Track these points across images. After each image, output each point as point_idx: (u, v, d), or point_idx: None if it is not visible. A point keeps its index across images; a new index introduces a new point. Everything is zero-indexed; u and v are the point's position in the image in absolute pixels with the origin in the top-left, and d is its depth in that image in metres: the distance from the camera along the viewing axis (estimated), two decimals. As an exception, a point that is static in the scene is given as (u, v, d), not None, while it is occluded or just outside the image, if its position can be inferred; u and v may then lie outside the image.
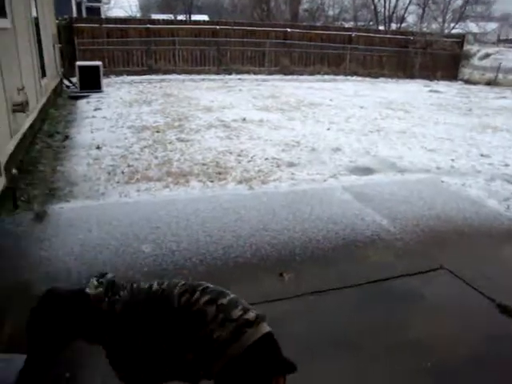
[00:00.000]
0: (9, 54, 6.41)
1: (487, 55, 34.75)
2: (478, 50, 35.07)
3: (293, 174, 6.56)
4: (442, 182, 6.57)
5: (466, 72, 22.83)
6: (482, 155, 8.04)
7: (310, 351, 3.00)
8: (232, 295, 1.92)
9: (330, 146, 8.05)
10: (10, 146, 5.79)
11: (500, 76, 22.10)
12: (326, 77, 19.50)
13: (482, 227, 5.16)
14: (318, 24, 34.27)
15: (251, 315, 1.83)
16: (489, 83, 21.04)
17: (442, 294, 3.83)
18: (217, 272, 3.91)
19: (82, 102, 11.69)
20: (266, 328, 1.84)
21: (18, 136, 6.35)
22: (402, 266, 4.15)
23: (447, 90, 17.23)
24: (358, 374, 2.88)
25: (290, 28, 20.37)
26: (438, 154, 7.95)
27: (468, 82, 21.49)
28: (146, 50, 18.11)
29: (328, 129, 9.48)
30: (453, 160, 7.62)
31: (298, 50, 20.05)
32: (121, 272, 3.80)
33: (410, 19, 43.38)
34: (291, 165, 6.98)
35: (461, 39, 23.28)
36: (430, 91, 16.40)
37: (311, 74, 19.84)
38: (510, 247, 4.78)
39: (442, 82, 19.89)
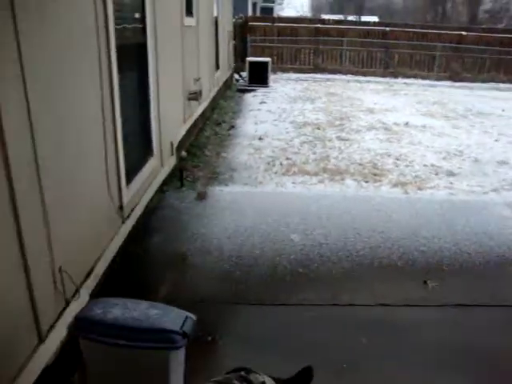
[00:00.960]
0: (190, 48, 7.05)
1: None
2: None
3: (451, 183, 6.27)
4: None
5: None
6: None
7: (436, 361, 2.91)
8: None
9: (496, 159, 7.50)
10: (182, 130, 6.38)
11: None
12: (502, 85, 18.01)
13: None
14: (500, 26, 31.64)
15: None
16: None
17: None
18: (361, 269, 3.95)
19: (249, 96, 12.36)
20: None
21: (190, 122, 6.97)
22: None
23: None
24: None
25: (466, 31, 19.17)
26: None
27: None
28: (314, 49, 18.43)
29: (496, 140, 8.82)
30: None
31: (471, 55, 18.80)
32: (268, 256, 4.02)
33: None
34: (450, 174, 6.66)
35: None
36: None
37: (484, 81, 18.48)
38: None
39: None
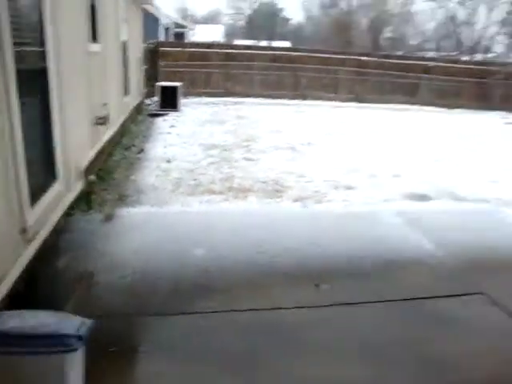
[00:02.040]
0: (97, 73, 7.18)
1: None
2: None
3: (348, 196, 6.81)
4: (500, 212, 6.55)
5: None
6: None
7: (332, 356, 3.26)
8: None
9: (391, 173, 8.20)
10: (90, 154, 6.47)
11: None
12: (400, 106, 19.42)
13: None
14: (399, 53, 34.02)
15: None
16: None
17: (475, 317, 3.93)
18: (261, 277, 4.26)
19: (159, 120, 12.56)
20: None
21: (98, 146, 7.06)
22: (440, 289, 4.29)
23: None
24: (376, 380, 3.10)
25: (366, 56, 20.58)
26: (500, 184, 7.87)
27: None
28: (225, 73, 18.96)
29: (390, 155, 9.62)
30: (514, 191, 7.54)
31: (372, 79, 20.18)
32: (173, 270, 4.25)
33: (499, 49, 42.19)
34: (348, 187, 7.22)
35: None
36: (507, 123, 15.96)
37: (385, 102, 19.86)
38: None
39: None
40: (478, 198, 7.09)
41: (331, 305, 3.93)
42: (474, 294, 4.26)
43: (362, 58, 20.36)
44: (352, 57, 20.51)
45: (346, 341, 3.45)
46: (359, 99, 19.86)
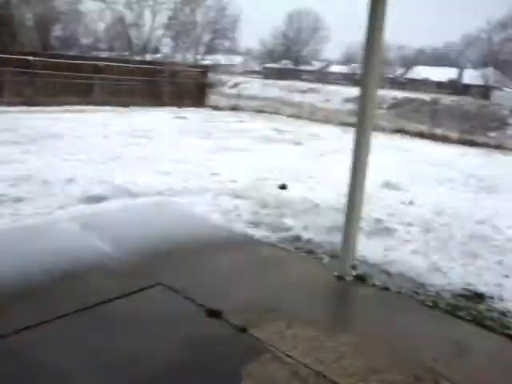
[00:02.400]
0: None
1: (236, 84, 37.94)
2: (229, 80, 38.11)
3: (17, 209, 6.14)
4: (172, 202, 6.87)
5: (213, 99, 24.58)
6: (212, 174, 8.68)
7: None
8: None
9: (64, 177, 7.76)
10: None
11: (242, 102, 24.35)
12: (76, 107, 18.90)
13: (203, 240, 5.53)
14: (71, 53, 33.12)
15: None
16: (233, 109, 23.02)
17: (155, 308, 3.98)
18: None
19: None
20: None
21: None
22: (121, 288, 4.18)
23: (192, 116, 18.27)
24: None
25: (34, 56, 19.29)
26: (173, 176, 8.32)
27: (215, 108, 23.15)
28: None
29: (65, 160, 9.16)
30: (185, 181, 8.05)
31: (43, 80, 19.06)
32: None
33: (166, 50, 45.31)
34: (18, 200, 6.52)
35: (205, 69, 25.06)
36: (176, 118, 17.18)
37: (59, 104, 19.02)
38: (225, 255, 5.20)
39: (190, 109, 20.96)
40: (152, 191, 7.30)
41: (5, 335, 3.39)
42: (154, 285, 4.30)
43: (29, 57, 19.02)
44: (18, 56, 18.94)
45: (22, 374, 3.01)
46: (30, 102, 18.51)
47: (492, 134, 25.82)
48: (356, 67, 61.87)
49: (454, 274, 5.24)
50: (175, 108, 20.64)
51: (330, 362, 3.42)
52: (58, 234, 5.37)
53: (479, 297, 4.77)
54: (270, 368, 3.28)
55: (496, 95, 42.42)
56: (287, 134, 15.17)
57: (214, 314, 3.91)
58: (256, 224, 6.34)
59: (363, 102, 4.62)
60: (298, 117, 21.70)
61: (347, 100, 34.85)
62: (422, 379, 3.31)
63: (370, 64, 4.50)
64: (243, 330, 3.72)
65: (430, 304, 4.49)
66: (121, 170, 8.47)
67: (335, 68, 71.46)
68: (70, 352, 3.29)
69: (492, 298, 4.77)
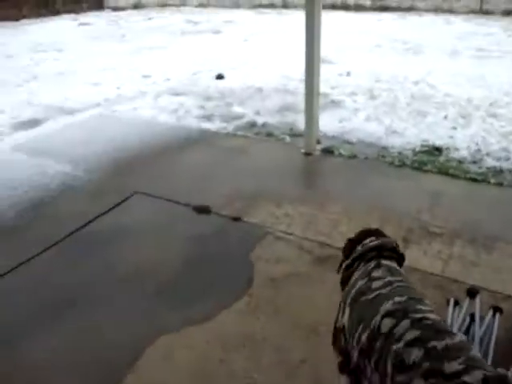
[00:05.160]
0: None
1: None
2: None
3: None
4: (114, 111, 6.55)
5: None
6: (144, 76, 8.26)
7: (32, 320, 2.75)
8: (457, 337, 1.44)
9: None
10: None
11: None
12: None
13: (162, 142, 5.39)
14: None
15: (477, 376, 1.27)
16: (135, 7, 21.42)
17: (143, 217, 3.91)
18: None
19: None
20: None
21: None
22: (98, 207, 4.04)
23: (97, 20, 16.86)
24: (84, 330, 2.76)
25: None
26: (104, 85, 7.83)
27: (116, 9, 21.42)
28: None
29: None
30: (119, 88, 7.63)
31: None
32: None
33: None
34: None
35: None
36: (80, 25, 15.82)
37: None
38: (190, 152, 5.12)
39: (89, 14, 19.27)
40: (87, 105, 6.86)
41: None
42: (130, 196, 4.20)
43: None
44: None
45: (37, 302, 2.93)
46: None
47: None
48: None
49: (409, 133, 5.49)
50: (73, 15, 18.88)
51: (328, 231, 3.58)
52: (9, 167, 5.01)
53: (437, 150, 5.05)
54: (276, 248, 3.40)
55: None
56: (202, 24, 14.45)
57: (204, 210, 3.92)
58: (207, 117, 6.22)
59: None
60: (205, 5, 20.59)
61: (248, -19, 33.41)
62: (413, 230, 3.55)
63: None
64: (237, 219, 3.78)
65: (398, 163, 4.72)
66: (45, 89, 7.81)
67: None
68: (76, 273, 3.23)
69: (448, 149, 5.07)
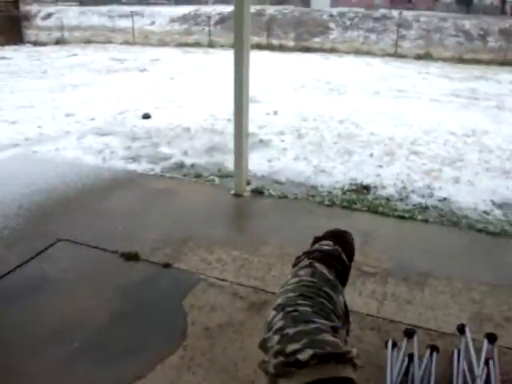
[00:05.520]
0: None
1: (49, 15, 34.47)
2: (40, 10, 34.34)
3: None
4: (35, 152, 6.22)
5: (32, 34, 22.08)
6: (67, 115, 7.98)
7: None
8: (311, 325, 1.70)
9: None
10: None
11: (66, 34, 22.27)
12: None
13: (86, 185, 5.15)
14: None
15: (308, 353, 1.56)
16: (58, 42, 20.97)
17: (68, 266, 3.65)
18: None
19: None
20: (315, 375, 1.54)
21: None
22: (16, 256, 3.74)
23: (16, 55, 16.30)
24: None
25: None
26: (24, 124, 7.46)
27: (37, 43, 20.86)
28: None
29: None
30: (40, 127, 7.30)
31: None
32: None
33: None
34: None
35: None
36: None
37: None
38: (115, 195, 4.92)
39: (8, 48, 18.61)
40: (5, 144, 6.47)
41: None
42: (54, 243, 3.93)
43: None
44: None
45: None
46: None
47: (317, 40, 27.15)
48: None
49: (337, 172, 5.60)
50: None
51: (261, 275, 3.51)
52: None
53: (365, 188, 5.18)
54: (209, 295, 3.27)
55: (315, 1, 44.12)
56: (128, 61, 14.34)
57: (132, 256, 3.73)
58: (134, 158, 6.06)
59: (239, 21, 4.46)
60: (131, 43, 20.52)
61: (173, 20, 33.81)
62: (346, 271, 3.55)
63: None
64: (167, 265, 3.63)
65: (328, 203, 4.78)
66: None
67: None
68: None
69: (376, 187, 5.22)
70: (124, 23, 29.05)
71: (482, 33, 29.52)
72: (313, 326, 1.70)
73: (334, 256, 2.17)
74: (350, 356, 1.61)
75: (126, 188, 5.12)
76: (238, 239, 4.07)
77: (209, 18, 27.04)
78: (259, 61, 15.04)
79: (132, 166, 5.76)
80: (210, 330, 2.92)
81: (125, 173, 5.54)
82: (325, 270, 2.08)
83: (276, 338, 1.70)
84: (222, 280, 3.44)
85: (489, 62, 18.13)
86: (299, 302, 1.84)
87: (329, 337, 1.67)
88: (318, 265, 2.09)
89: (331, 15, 33.38)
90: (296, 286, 1.95)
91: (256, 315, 3.05)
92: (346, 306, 2.12)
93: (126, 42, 20.70)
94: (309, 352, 1.56)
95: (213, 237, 4.06)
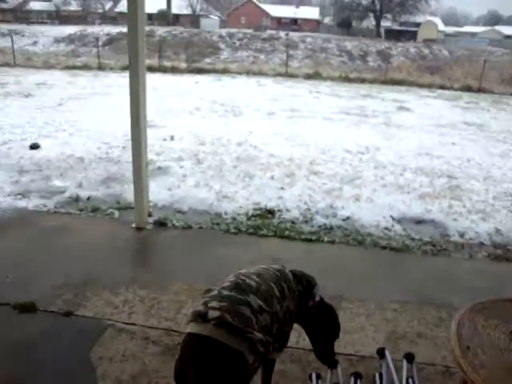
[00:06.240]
0: None
1: None
2: None
3: None
4: None
5: None
6: None
7: None
8: (242, 296, 1.89)
9: None
10: None
11: None
12: None
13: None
14: None
15: (214, 315, 1.79)
16: None
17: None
18: None
19: None
20: (192, 328, 1.85)
21: None
22: None
23: None
24: None
25: None
26: None
27: None
28: None
29: None
30: None
31: None
32: None
33: None
34: None
35: None
36: None
37: None
38: (2, 237, 4.48)
39: None
40: None
41: None
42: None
43: None
44: None
45: None
46: None
47: (208, 60, 27.38)
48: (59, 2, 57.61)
49: (239, 196, 5.58)
50: None
51: (172, 315, 3.35)
52: None
53: (270, 212, 5.20)
54: (119, 342, 3.05)
55: (204, 22, 44.60)
56: (10, 85, 13.41)
57: (27, 307, 3.39)
58: (23, 194, 5.60)
59: (133, 42, 4.31)
60: (11, 65, 19.28)
61: (58, 40, 32.47)
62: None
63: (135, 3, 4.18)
64: (69, 313, 3.34)
65: (234, 230, 4.72)
66: None
67: (35, 5, 63.55)
68: None
69: (280, 210, 5.25)
70: (1, 43, 27.29)
71: (362, 53, 31.56)
72: (243, 297, 1.89)
73: (306, 279, 2.38)
74: (250, 336, 1.77)
75: (14, 228, 4.69)
76: (144, 277, 3.87)
77: (97, 38, 26.24)
78: (152, 83, 14.78)
79: (21, 203, 5.31)
80: (124, 383, 2.72)
81: (13, 211, 5.09)
82: (292, 278, 2.27)
83: (215, 292, 1.94)
84: (132, 324, 3.23)
85: (372, 81, 19.36)
86: (253, 277, 2.06)
87: (248, 313, 1.84)
88: (286, 271, 2.30)
89: (221, 36, 33.97)
90: (260, 268, 2.20)
91: (171, 360, 2.85)
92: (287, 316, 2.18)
93: (6, 64, 19.40)
94: (216, 313, 1.79)
95: (117, 276, 3.82)
